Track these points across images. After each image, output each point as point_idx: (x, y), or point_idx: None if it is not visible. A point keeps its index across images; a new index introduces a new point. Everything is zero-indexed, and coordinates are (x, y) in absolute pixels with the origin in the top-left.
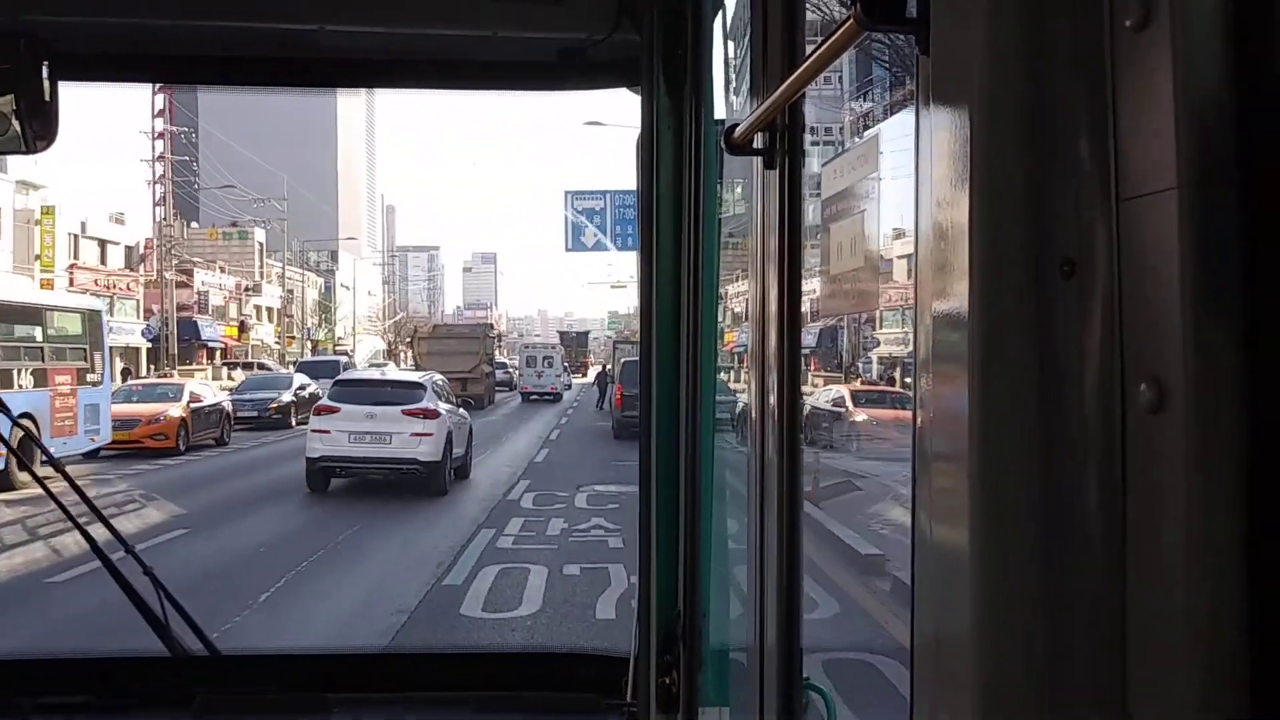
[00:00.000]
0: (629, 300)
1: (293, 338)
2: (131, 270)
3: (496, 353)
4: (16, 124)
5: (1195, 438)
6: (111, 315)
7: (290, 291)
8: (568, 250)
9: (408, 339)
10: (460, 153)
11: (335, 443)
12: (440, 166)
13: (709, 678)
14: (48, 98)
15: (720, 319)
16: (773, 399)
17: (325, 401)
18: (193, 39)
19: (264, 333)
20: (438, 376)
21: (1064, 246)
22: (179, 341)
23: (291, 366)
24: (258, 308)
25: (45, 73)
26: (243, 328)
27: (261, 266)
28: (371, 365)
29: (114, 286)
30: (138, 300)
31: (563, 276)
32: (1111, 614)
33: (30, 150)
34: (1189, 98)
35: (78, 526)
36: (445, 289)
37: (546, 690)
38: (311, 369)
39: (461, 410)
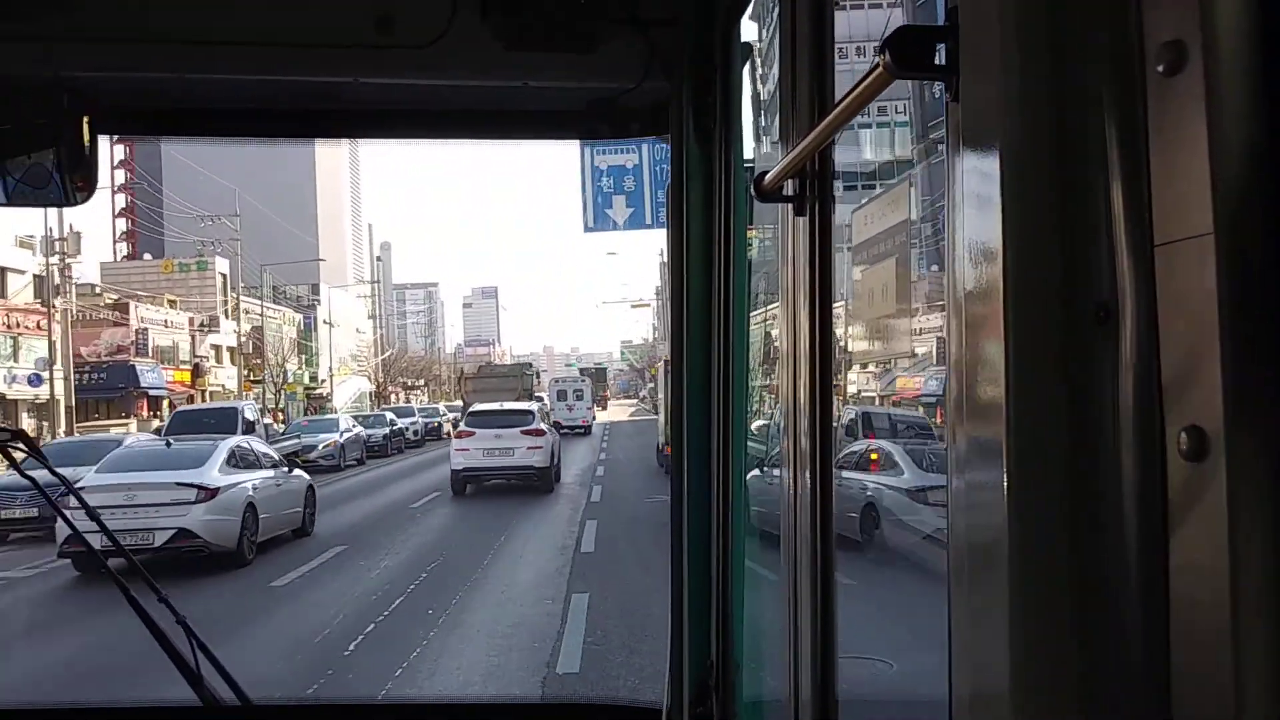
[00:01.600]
0: (641, 326)
1: (257, 381)
2: (45, 306)
3: (535, 388)
4: (56, 176)
5: (1237, 487)
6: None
7: (255, 329)
8: (588, 230)
9: (402, 379)
10: (458, 189)
11: (473, 457)
12: (438, 203)
13: None
14: (87, 151)
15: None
16: (805, 443)
17: (463, 428)
18: (230, 94)
19: (226, 376)
20: (541, 405)
21: (1098, 292)
22: (112, 389)
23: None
24: (217, 347)
25: (86, 126)
26: (197, 371)
27: (226, 300)
28: (353, 412)
29: (15, 325)
30: (52, 341)
31: (567, 310)
32: (1154, 674)
33: (69, 203)
34: (1222, 141)
35: (111, 574)
36: (445, 325)
37: None
38: (192, 421)
39: (554, 429)
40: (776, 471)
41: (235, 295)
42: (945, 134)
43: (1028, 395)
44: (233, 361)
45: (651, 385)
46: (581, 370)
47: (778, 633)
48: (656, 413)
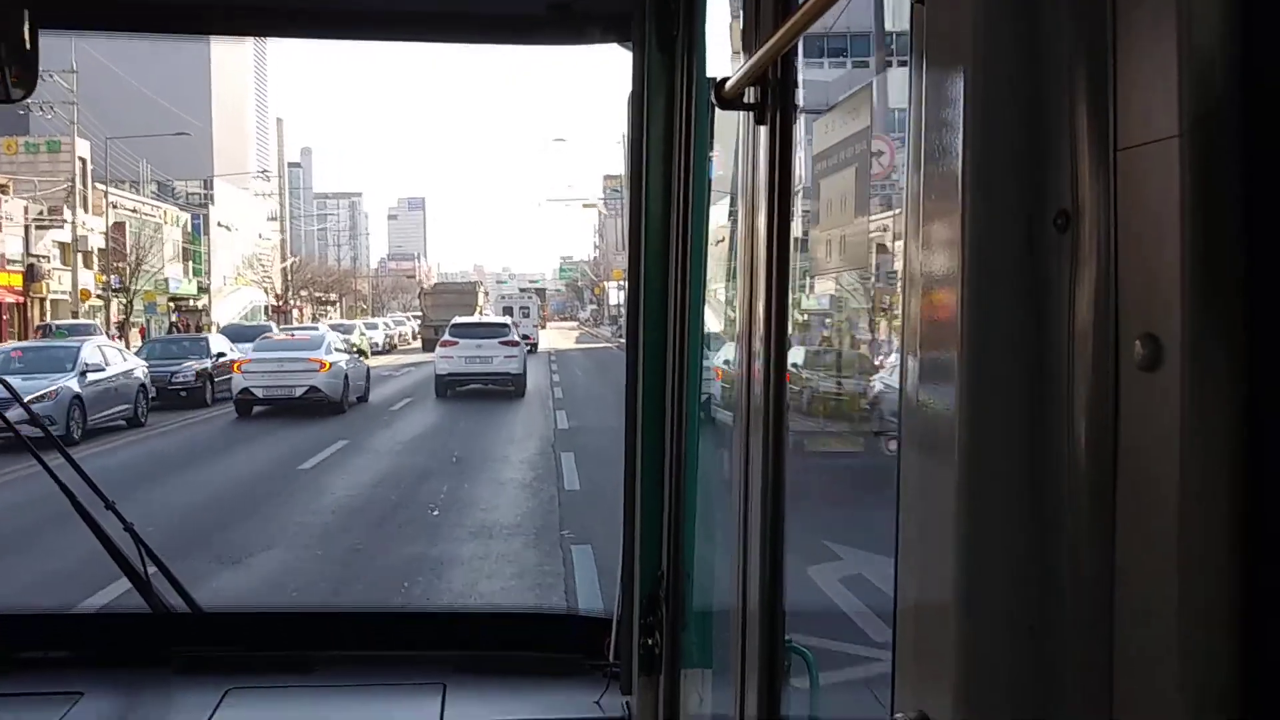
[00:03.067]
0: (583, 243)
1: (122, 289)
2: None
3: (484, 304)
4: None
5: (1191, 397)
6: None
7: (118, 225)
8: None
9: (311, 291)
10: (387, 94)
11: (456, 364)
12: (365, 109)
13: (691, 639)
14: (28, 46)
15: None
16: (759, 359)
17: (448, 337)
18: None
19: (84, 282)
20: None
21: (1058, 198)
22: None
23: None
24: (64, 245)
25: (26, 21)
26: (31, 274)
27: (90, 191)
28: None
29: None
30: None
31: (501, 227)
32: (1099, 575)
33: (7, 99)
34: (1192, 42)
35: (58, 482)
36: (367, 238)
37: (529, 650)
38: None
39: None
40: (730, 384)
41: (133, 194)
42: (909, 39)
43: (983, 300)
44: (86, 265)
45: (594, 306)
46: (523, 290)
47: (727, 545)
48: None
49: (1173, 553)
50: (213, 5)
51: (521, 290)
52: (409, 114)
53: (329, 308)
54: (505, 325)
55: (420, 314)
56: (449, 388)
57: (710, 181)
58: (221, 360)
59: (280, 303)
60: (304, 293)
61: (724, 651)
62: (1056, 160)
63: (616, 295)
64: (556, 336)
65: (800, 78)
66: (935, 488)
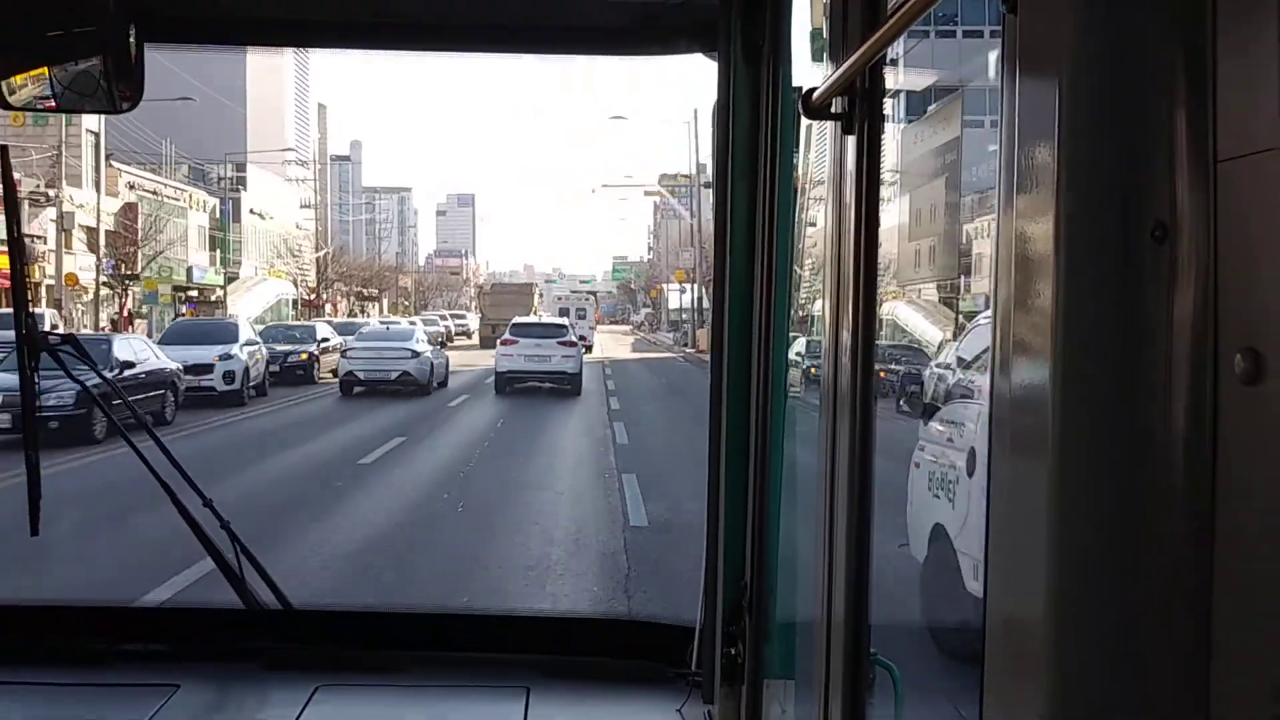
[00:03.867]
0: (638, 243)
1: (129, 276)
2: None
3: (539, 305)
4: (104, 84)
5: None
6: None
7: (129, 206)
8: None
9: (350, 285)
10: (436, 88)
11: (515, 361)
12: (415, 102)
13: (774, 650)
14: (134, 60)
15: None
16: (846, 369)
17: (508, 336)
18: (266, 3)
19: (82, 266)
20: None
21: (1155, 210)
22: None
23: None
24: (65, 229)
25: (133, 34)
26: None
27: (101, 168)
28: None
29: None
30: None
31: (552, 228)
32: (1196, 591)
33: (116, 110)
34: None
35: (158, 479)
36: (416, 232)
37: (611, 657)
38: None
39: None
40: (817, 393)
41: (154, 176)
42: (1000, 47)
43: (1077, 314)
44: (90, 248)
45: (649, 309)
46: (575, 293)
47: (812, 555)
48: (687, 345)
49: (1274, 569)
50: (312, 19)
51: (574, 292)
52: (461, 109)
53: (369, 304)
54: (564, 326)
55: (479, 312)
56: (508, 384)
57: (796, 191)
58: (325, 345)
59: (313, 296)
60: (341, 286)
61: (807, 662)
62: (1153, 171)
63: (678, 298)
64: (609, 343)
65: (889, 86)
66: (1028, 501)
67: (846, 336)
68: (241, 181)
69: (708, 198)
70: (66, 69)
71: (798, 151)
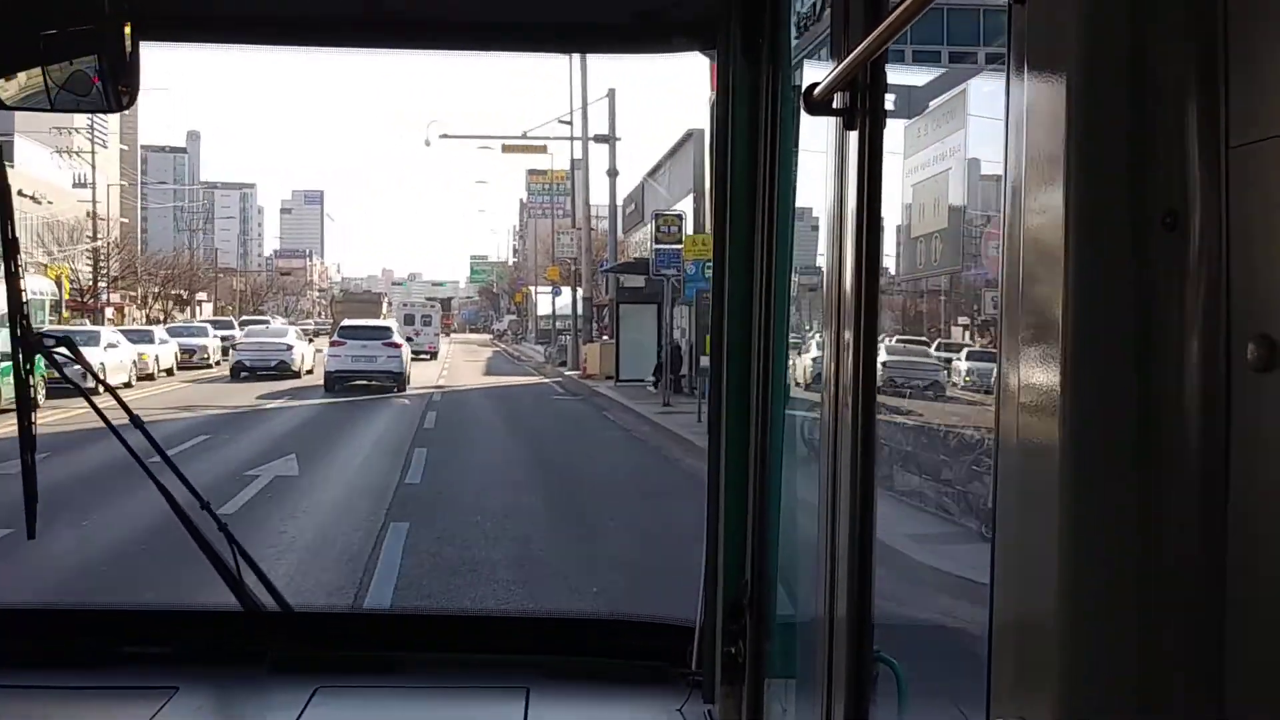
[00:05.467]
0: (495, 239)
1: None
2: None
3: (387, 314)
4: (99, 82)
5: None
6: None
7: None
8: None
9: (156, 284)
10: (285, 81)
11: (343, 362)
12: (263, 94)
13: (776, 648)
14: (129, 58)
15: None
16: (848, 366)
17: (336, 338)
18: (271, 0)
19: None
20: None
21: (1166, 197)
22: None
23: None
24: None
25: (128, 33)
26: None
27: None
28: None
29: None
30: None
31: (408, 229)
32: (1209, 580)
33: (111, 109)
34: None
35: (155, 481)
36: (265, 232)
37: (611, 657)
38: None
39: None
40: (818, 390)
41: None
42: (1007, 39)
43: (1088, 302)
44: None
45: (513, 316)
46: (429, 300)
47: (813, 552)
48: (565, 364)
49: None
50: (308, 17)
51: (423, 300)
52: (315, 104)
53: (184, 307)
54: (388, 328)
55: (330, 319)
56: (337, 383)
57: (796, 187)
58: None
59: (87, 298)
60: (152, 286)
61: (809, 661)
62: (1164, 159)
63: (550, 303)
64: (458, 357)
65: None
66: (1037, 492)
67: (849, 333)
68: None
69: (600, 178)
70: (61, 68)
71: (797, 149)
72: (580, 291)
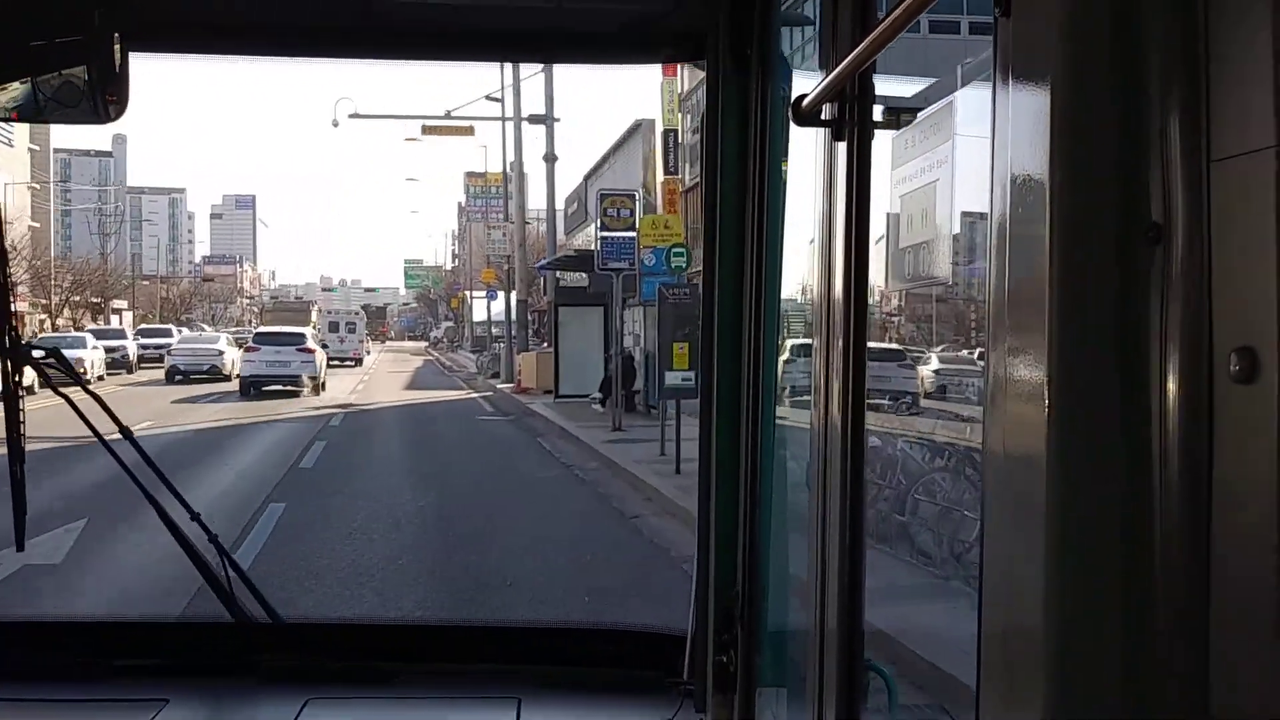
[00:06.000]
0: (432, 244)
1: None
2: None
3: (315, 320)
4: (88, 93)
5: None
6: None
7: None
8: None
9: (14, 285)
10: (217, 82)
11: (257, 367)
12: (196, 100)
13: (767, 658)
14: (119, 68)
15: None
16: (837, 375)
17: (250, 344)
18: (259, 9)
19: None
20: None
21: (1150, 211)
22: None
23: None
24: None
25: (117, 43)
26: None
27: None
28: None
29: None
30: None
31: (349, 236)
32: (1193, 589)
33: (101, 120)
34: None
35: (145, 492)
36: (196, 239)
37: (602, 666)
38: None
39: (321, 349)
40: (808, 401)
41: None
42: (993, 51)
43: (1072, 316)
44: None
45: (450, 323)
46: (365, 307)
47: (805, 563)
48: (497, 376)
49: (1271, 567)
50: (301, 26)
51: (350, 309)
52: (245, 105)
53: (118, 314)
54: (302, 335)
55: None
56: (252, 387)
57: (785, 198)
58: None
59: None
60: (58, 294)
61: (800, 670)
62: (1147, 172)
63: (485, 308)
64: (384, 367)
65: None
66: (1023, 505)
67: (838, 341)
68: None
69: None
70: (51, 79)
71: (787, 160)
72: (515, 294)
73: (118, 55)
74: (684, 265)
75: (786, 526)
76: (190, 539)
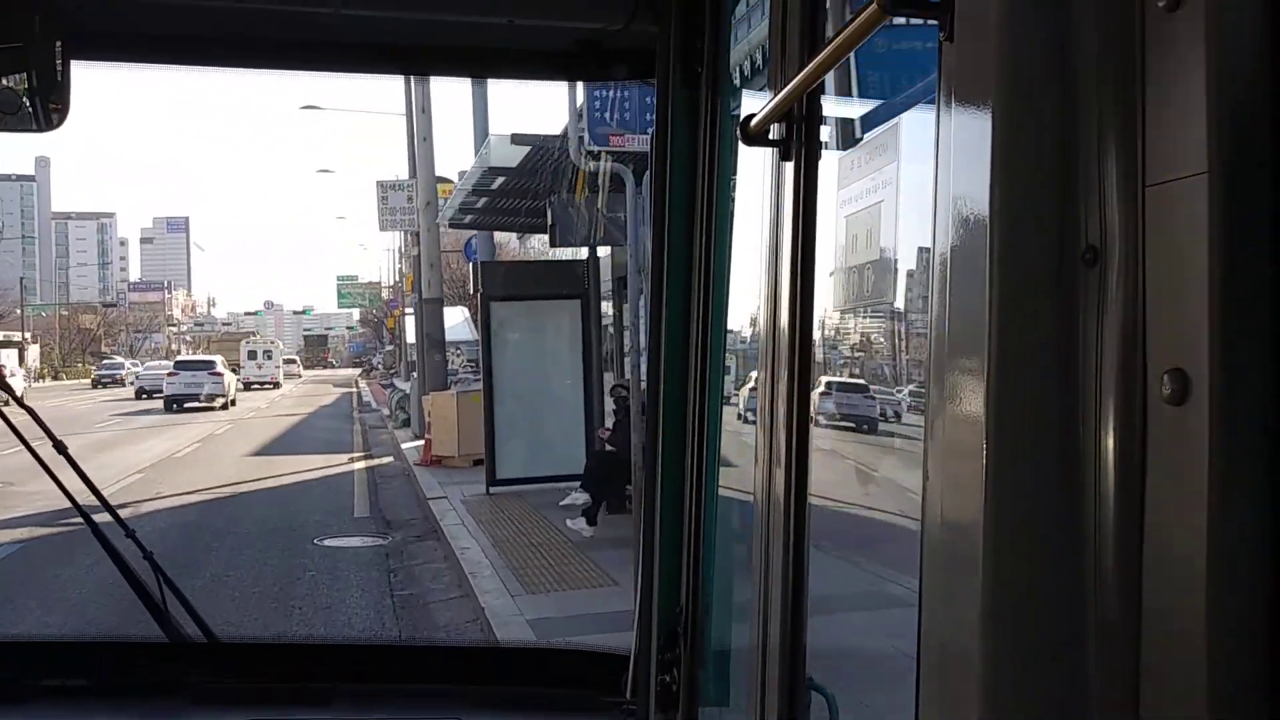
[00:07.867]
0: (373, 259)
1: None
2: None
3: (243, 350)
4: (28, 100)
5: (1217, 432)
6: None
7: None
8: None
9: None
10: (147, 99)
11: (177, 388)
12: (121, 115)
13: (710, 676)
14: (60, 76)
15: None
16: (782, 394)
17: (170, 370)
18: (206, 20)
19: None
20: (222, 358)
21: (1086, 234)
22: None
23: None
24: None
25: (59, 50)
26: None
27: None
28: None
29: None
30: None
31: (297, 262)
32: (1126, 607)
33: (42, 127)
34: (1222, 80)
35: (78, 509)
36: (130, 265)
37: (544, 686)
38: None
39: (231, 372)
40: (753, 421)
41: None
42: (937, 75)
43: (1011, 336)
44: None
45: (392, 347)
46: (307, 337)
47: (748, 581)
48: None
49: (1200, 584)
50: (248, 37)
51: (268, 339)
52: (177, 124)
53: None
54: (213, 361)
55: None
56: (174, 403)
57: (733, 217)
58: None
59: None
60: None
61: (743, 690)
62: (1084, 196)
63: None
64: (279, 407)
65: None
66: (962, 521)
67: (783, 360)
68: None
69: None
70: None
71: (735, 178)
72: (424, 286)
73: (59, 63)
74: None
75: (732, 543)
76: (124, 556)
